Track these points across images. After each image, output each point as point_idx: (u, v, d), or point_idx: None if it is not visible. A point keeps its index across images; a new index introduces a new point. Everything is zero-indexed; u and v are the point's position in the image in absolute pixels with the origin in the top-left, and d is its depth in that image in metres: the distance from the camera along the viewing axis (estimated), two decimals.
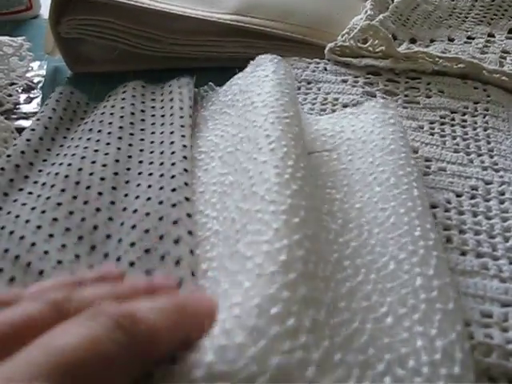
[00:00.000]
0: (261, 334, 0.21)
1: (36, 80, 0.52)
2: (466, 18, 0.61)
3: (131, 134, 0.40)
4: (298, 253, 0.25)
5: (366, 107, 0.41)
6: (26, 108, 0.47)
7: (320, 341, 0.23)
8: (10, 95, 0.48)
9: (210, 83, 0.47)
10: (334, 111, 0.45)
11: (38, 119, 0.42)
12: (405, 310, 0.26)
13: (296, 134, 0.33)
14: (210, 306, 0.24)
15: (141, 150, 0.39)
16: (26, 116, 0.46)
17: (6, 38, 0.50)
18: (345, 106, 0.45)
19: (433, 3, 0.62)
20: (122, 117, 0.41)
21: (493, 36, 0.59)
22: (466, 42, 0.58)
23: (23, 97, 0.49)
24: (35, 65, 0.53)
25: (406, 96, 0.47)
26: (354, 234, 0.31)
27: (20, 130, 0.42)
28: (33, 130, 0.41)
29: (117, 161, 0.37)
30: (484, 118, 0.45)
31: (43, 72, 0.53)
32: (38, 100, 0.49)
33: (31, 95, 0.49)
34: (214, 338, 0.22)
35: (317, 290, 0.24)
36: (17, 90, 0.48)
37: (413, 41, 0.57)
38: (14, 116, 0.46)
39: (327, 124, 0.41)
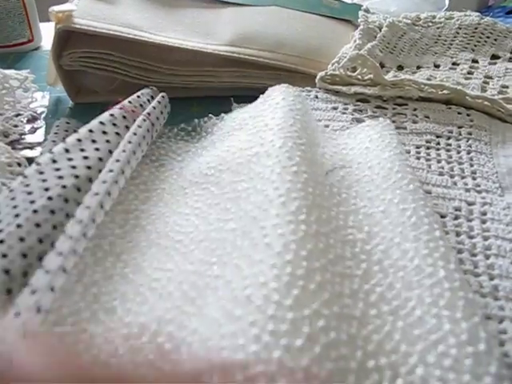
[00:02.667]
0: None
1: (39, 110, 0.54)
2: (451, 44, 0.64)
3: None
4: (319, 323, 0.25)
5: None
6: (30, 138, 0.50)
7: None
8: (16, 126, 0.50)
9: (210, 115, 0.49)
10: (324, 138, 0.47)
11: (41, 153, 0.44)
12: (434, 359, 0.26)
13: (306, 178, 0.34)
14: None
15: None
16: (31, 146, 0.48)
17: (12, 72, 0.52)
18: (335, 131, 0.48)
19: (419, 31, 0.65)
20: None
21: (476, 62, 0.62)
22: (451, 68, 0.60)
23: (28, 127, 0.51)
24: (38, 95, 0.56)
25: (393, 122, 0.49)
26: (378, 279, 0.31)
27: (27, 159, 0.44)
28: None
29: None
30: (467, 141, 0.47)
31: (46, 102, 0.55)
32: (42, 130, 0.51)
33: (35, 125, 0.51)
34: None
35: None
36: (22, 121, 0.51)
37: (400, 68, 0.59)
38: (20, 146, 0.48)
39: (347, 139, 0.44)
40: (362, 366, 0.26)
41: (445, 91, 0.51)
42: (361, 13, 0.64)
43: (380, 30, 0.63)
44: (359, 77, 0.54)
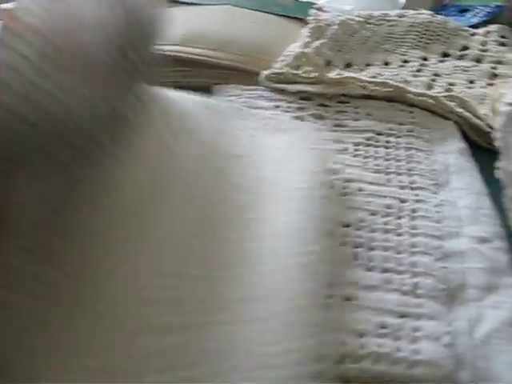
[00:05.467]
0: None
1: None
2: (403, 42, 0.64)
3: None
4: None
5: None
6: None
7: None
8: None
9: None
10: None
11: None
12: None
13: None
14: None
15: None
16: None
17: None
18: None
19: (371, 29, 0.65)
20: None
21: (426, 59, 0.62)
22: (400, 66, 0.60)
23: None
24: None
25: (335, 119, 0.49)
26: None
27: None
28: None
29: None
30: (407, 138, 0.47)
31: None
32: None
33: None
34: None
35: None
36: None
37: (348, 65, 0.59)
38: None
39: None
40: None
41: (387, 89, 0.51)
42: (312, 11, 0.64)
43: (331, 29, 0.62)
44: (304, 75, 0.53)
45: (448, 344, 0.30)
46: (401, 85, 0.51)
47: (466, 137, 0.49)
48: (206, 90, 0.54)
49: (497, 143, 0.44)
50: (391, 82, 0.51)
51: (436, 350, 0.30)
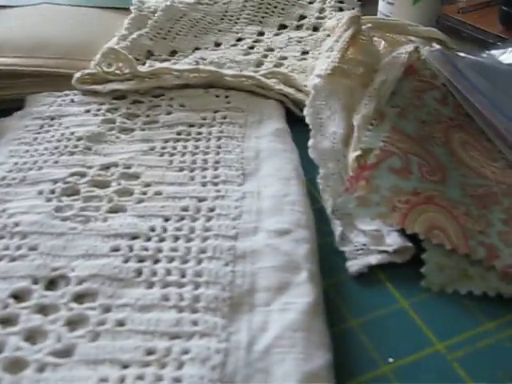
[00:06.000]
0: None
1: None
2: (238, 19, 0.61)
3: None
4: None
5: None
6: None
7: None
8: None
9: None
10: (67, 147, 0.42)
11: None
12: None
13: None
14: None
15: None
16: None
17: None
18: (79, 139, 0.43)
19: (203, 10, 0.61)
20: None
21: (263, 34, 0.58)
22: (233, 45, 0.57)
23: None
24: None
25: (147, 117, 0.46)
26: None
27: None
28: None
29: None
30: (220, 126, 0.44)
31: None
32: None
33: None
34: None
35: None
36: None
37: (174, 53, 0.55)
38: None
39: None
40: None
41: (202, 74, 0.47)
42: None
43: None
44: (118, 72, 0.49)
45: (217, 364, 0.27)
46: (214, 69, 0.47)
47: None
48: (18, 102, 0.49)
49: (306, 120, 0.41)
50: (204, 67, 0.47)
51: (199, 373, 0.26)
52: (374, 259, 0.34)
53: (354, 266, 0.34)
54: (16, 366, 0.27)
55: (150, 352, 0.28)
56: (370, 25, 0.45)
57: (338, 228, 0.36)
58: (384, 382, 0.28)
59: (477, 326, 0.31)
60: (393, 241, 0.34)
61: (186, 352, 0.27)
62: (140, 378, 0.26)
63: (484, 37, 0.60)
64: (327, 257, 0.35)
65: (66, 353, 0.28)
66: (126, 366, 0.27)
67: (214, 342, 0.28)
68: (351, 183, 0.36)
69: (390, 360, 0.29)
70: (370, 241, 0.35)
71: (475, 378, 0.28)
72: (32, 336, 0.29)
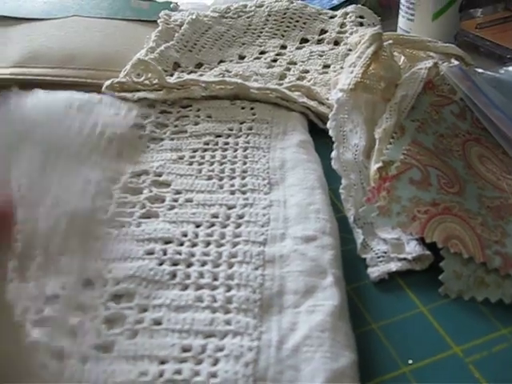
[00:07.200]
0: None
1: None
2: (261, 33, 0.63)
3: None
4: None
5: None
6: None
7: None
8: None
9: None
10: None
11: None
12: None
13: None
14: None
15: None
16: None
17: None
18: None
19: (227, 23, 0.63)
20: None
21: (285, 47, 0.60)
22: (256, 58, 0.59)
23: None
24: None
25: (175, 126, 0.47)
26: None
27: None
28: None
29: None
30: (246, 137, 0.46)
31: None
32: None
33: None
34: None
35: None
36: None
37: (199, 65, 0.57)
38: None
39: None
40: None
41: (228, 86, 0.49)
42: (162, 12, 0.62)
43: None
44: (147, 82, 0.51)
45: (250, 361, 0.29)
46: (240, 81, 0.49)
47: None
48: None
49: (330, 132, 0.42)
50: (230, 80, 0.49)
51: (234, 369, 0.28)
52: (394, 266, 0.36)
53: (375, 272, 0.36)
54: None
55: (186, 349, 0.29)
56: (391, 41, 0.47)
57: (359, 236, 0.38)
58: (404, 382, 0.30)
59: (492, 331, 0.33)
60: (412, 249, 0.36)
61: (220, 349, 0.29)
62: (178, 372, 0.28)
63: (501, 52, 0.62)
64: (349, 264, 0.36)
65: (105, 349, 0.30)
66: (163, 362, 0.29)
67: (247, 340, 0.30)
68: (373, 193, 0.38)
69: (410, 362, 0.31)
70: (390, 249, 0.37)
71: (490, 380, 0.30)
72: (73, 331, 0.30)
